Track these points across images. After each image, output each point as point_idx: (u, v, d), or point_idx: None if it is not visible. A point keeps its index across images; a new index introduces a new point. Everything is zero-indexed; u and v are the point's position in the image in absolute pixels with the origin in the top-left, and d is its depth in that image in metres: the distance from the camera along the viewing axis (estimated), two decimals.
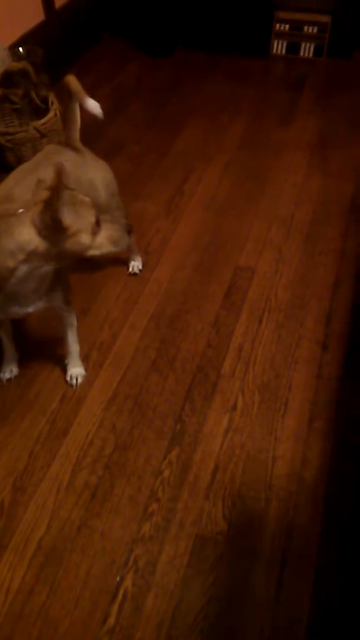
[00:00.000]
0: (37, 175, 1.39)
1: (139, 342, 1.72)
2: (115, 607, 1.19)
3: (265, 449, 1.44)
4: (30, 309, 1.34)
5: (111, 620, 1.17)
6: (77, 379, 1.60)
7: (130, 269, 1.92)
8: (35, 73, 2.28)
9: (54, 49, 2.75)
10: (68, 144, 1.54)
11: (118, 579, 1.23)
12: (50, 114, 2.23)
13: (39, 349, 1.70)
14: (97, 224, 1.20)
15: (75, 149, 1.54)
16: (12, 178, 1.39)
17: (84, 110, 1.53)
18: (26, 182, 1.35)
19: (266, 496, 1.35)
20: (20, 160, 2.23)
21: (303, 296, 1.82)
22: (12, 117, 2.41)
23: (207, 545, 1.27)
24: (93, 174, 1.55)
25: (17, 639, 1.15)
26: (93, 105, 1.45)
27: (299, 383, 1.59)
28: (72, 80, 1.44)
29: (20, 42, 2.56)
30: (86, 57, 3.07)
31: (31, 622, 1.17)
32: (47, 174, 1.41)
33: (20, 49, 2.39)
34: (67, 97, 1.49)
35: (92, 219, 1.18)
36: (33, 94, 2.32)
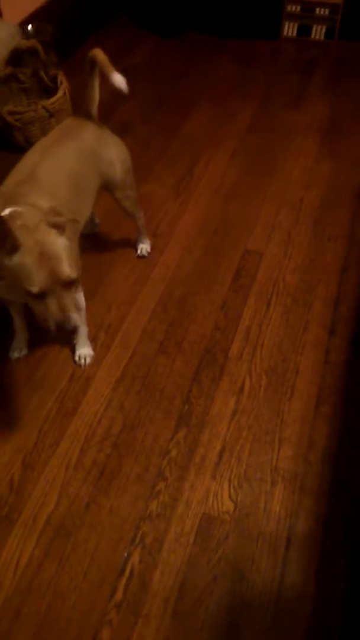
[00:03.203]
0: (60, 150, 1.39)
1: (147, 324, 1.72)
2: (123, 582, 1.21)
3: (271, 431, 1.45)
4: None
5: (118, 595, 1.19)
6: (85, 359, 1.61)
7: (138, 252, 1.92)
8: (44, 51, 2.25)
9: (63, 27, 2.71)
10: (88, 118, 1.53)
11: (125, 555, 1.24)
12: (60, 93, 2.21)
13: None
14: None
15: (95, 122, 1.53)
16: (35, 153, 1.38)
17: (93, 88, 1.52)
18: (50, 161, 1.35)
19: (272, 478, 1.37)
20: (28, 140, 2.23)
21: (311, 281, 1.82)
22: (21, 96, 2.39)
23: (214, 524, 1.29)
24: (111, 150, 1.54)
25: (26, 611, 1.17)
26: (119, 79, 1.44)
27: (306, 367, 1.59)
28: (98, 53, 1.42)
29: (30, 19, 2.52)
30: (96, 36, 3.03)
31: (40, 595, 1.19)
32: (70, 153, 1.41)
33: (30, 26, 2.36)
34: (87, 71, 1.47)
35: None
36: (42, 73, 2.30)
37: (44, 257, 1.08)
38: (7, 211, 1.16)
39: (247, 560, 1.23)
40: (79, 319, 1.18)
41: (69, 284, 1.12)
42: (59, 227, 1.11)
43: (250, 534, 1.27)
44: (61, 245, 1.11)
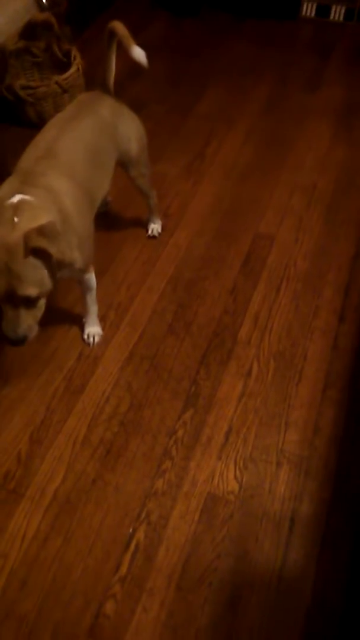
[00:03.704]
0: (78, 124, 1.37)
1: (156, 304, 1.72)
2: (128, 557, 1.23)
3: (278, 415, 1.46)
4: None
5: (123, 569, 1.21)
6: (94, 338, 1.61)
7: (149, 232, 1.91)
8: (59, 25, 2.22)
9: (77, 2, 2.66)
10: (104, 91, 1.51)
11: (131, 530, 1.26)
12: (73, 69, 2.17)
13: (58, 307, 1.71)
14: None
15: (112, 96, 1.51)
16: (53, 127, 1.36)
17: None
18: (69, 136, 1.33)
19: (277, 460, 1.38)
20: (40, 116, 2.20)
21: (322, 266, 1.81)
22: (33, 71, 2.36)
23: (218, 504, 1.30)
24: (128, 125, 1.52)
25: (32, 582, 1.19)
26: (139, 53, 1.41)
27: (314, 353, 1.59)
28: (118, 25, 1.40)
29: None
30: (109, 12, 2.98)
31: (46, 567, 1.21)
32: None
33: None
34: (105, 44, 1.44)
35: None
36: (55, 47, 2.27)
37: (4, 270, 1.08)
38: (15, 198, 1.16)
39: (251, 540, 1.25)
40: (32, 332, 1.19)
41: (28, 301, 1.13)
42: (37, 252, 1.08)
43: (254, 514, 1.29)
44: (29, 265, 1.09)
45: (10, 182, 1.23)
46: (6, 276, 1.09)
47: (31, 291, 1.12)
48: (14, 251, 1.08)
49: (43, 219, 1.13)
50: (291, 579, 1.20)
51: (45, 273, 1.13)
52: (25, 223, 1.11)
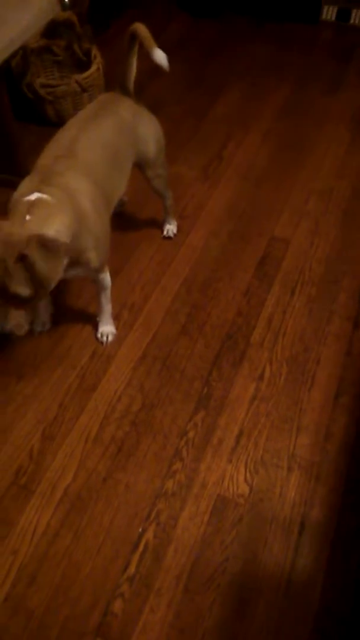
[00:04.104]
0: (98, 125, 1.38)
1: (170, 305, 1.72)
2: (136, 556, 1.23)
3: (290, 419, 1.46)
4: (63, 276, 1.35)
5: (131, 569, 1.21)
6: (107, 337, 1.62)
7: (165, 232, 1.92)
8: (80, 24, 2.23)
9: (98, 2, 2.67)
10: (124, 93, 1.52)
11: (140, 530, 1.26)
12: (93, 68, 2.18)
13: (72, 305, 1.72)
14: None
15: (131, 98, 1.52)
16: (73, 127, 1.37)
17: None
18: (88, 136, 1.34)
19: (288, 464, 1.37)
20: (59, 115, 2.22)
21: (337, 271, 1.80)
22: (53, 69, 2.38)
23: (228, 506, 1.30)
24: (146, 126, 1.53)
25: (41, 578, 1.20)
26: (160, 56, 1.42)
27: (327, 358, 1.58)
28: (141, 28, 1.41)
29: None
30: (130, 12, 2.99)
31: (55, 563, 1.22)
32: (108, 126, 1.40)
33: None
34: (126, 46, 1.45)
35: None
36: (76, 46, 2.28)
37: (0, 265, 1.09)
38: (33, 196, 1.17)
39: (260, 544, 1.25)
40: (21, 330, 1.20)
41: (19, 299, 1.13)
42: (24, 259, 1.08)
43: (264, 517, 1.29)
44: (19, 268, 1.09)
45: (30, 180, 1.24)
46: (1, 270, 1.09)
47: (21, 290, 1.12)
48: (12, 249, 1.08)
49: (55, 221, 1.15)
50: (300, 583, 1.19)
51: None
52: (35, 222, 1.12)
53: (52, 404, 1.49)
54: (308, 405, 1.48)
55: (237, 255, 1.87)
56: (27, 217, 1.13)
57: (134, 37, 1.44)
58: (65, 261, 1.18)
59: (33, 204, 1.15)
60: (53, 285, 1.16)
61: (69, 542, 1.25)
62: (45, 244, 1.09)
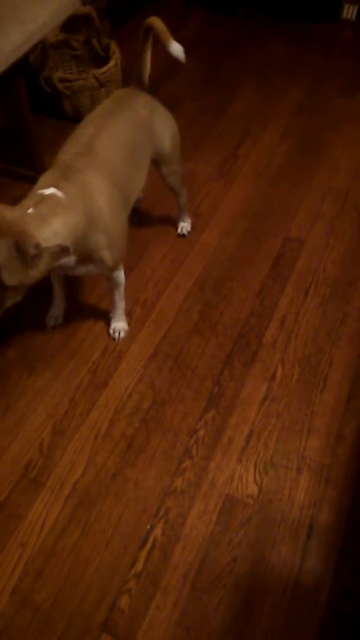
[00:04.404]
0: (115, 121, 1.38)
1: (183, 303, 1.72)
2: (144, 553, 1.23)
3: (301, 421, 1.45)
4: (76, 273, 1.36)
5: (139, 565, 1.21)
6: (119, 333, 1.61)
7: (179, 230, 1.91)
8: (99, 19, 2.22)
9: None
10: (139, 88, 1.51)
11: (148, 527, 1.26)
12: (111, 63, 2.18)
13: (85, 301, 1.72)
14: None
15: (147, 93, 1.51)
16: (91, 124, 1.37)
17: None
18: (107, 133, 1.34)
19: (298, 466, 1.37)
20: (76, 109, 2.22)
21: (352, 273, 1.79)
22: (71, 64, 2.38)
23: (237, 506, 1.30)
24: (162, 122, 1.53)
25: (48, 572, 1.21)
26: (177, 48, 1.41)
27: (340, 360, 1.57)
28: (156, 21, 1.40)
29: None
30: (147, 8, 2.98)
31: (62, 558, 1.22)
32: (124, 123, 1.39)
33: None
34: (141, 40, 1.44)
35: None
36: (94, 41, 2.28)
37: None
38: (48, 191, 1.17)
39: (268, 545, 1.24)
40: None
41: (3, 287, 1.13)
42: (20, 249, 1.08)
43: (272, 519, 1.28)
44: (6, 257, 1.08)
45: (50, 175, 1.24)
46: None
47: (8, 280, 1.11)
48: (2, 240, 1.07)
49: (57, 221, 1.14)
50: (307, 587, 1.19)
51: (19, 263, 1.10)
52: (35, 217, 1.12)
53: (63, 398, 1.49)
54: (319, 407, 1.47)
55: (251, 254, 1.86)
56: (30, 210, 1.13)
57: (148, 31, 1.44)
58: (42, 267, 1.15)
59: (44, 198, 1.16)
60: (14, 284, 1.13)
61: (77, 537, 1.25)
62: (18, 244, 1.07)
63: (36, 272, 1.15)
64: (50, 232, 1.14)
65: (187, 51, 1.44)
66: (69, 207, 1.18)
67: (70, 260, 1.25)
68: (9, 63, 1.53)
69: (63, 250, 1.18)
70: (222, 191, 2.07)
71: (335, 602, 1.16)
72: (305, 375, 1.54)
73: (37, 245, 1.09)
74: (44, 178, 1.24)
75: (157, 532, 1.26)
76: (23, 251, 1.08)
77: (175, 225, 1.92)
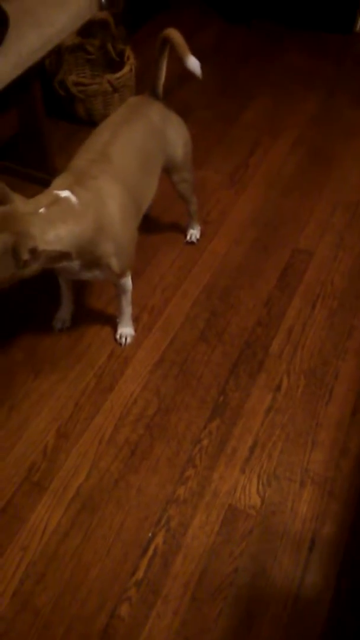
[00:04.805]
0: (129, 129, 1.38)
1: (190, 310, 1.72)
2: (145, 561, 1.23)
3: (305, 433, 1.45)
4: (82, 277, 1.37)
5: (140, 573, 1.21)
6: (126, 339, 1.62)
7: (188, 237, 1.91)
8: (115, 25, 2.24)
9: (131, 3, 2.68)
10: (154, 96, 1.52)
11: (150, 535, 1.26)
12: (126, 69, 2.19)
13: (91, 305, 1.73)
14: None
15: (161, 101, 1.52)
16: (104, 131, 1.37)
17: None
18: (121, 141, 1.35)
19: (301, 479, 1.36)
20: (89, 113, 2.23)
21: None
22: (85, 68, 2.39)
23: (239, 517, 1.30)
24: (175, 130, 1.53)
25: (49, 576, 1.20)
26: (194, 63, 1.42)
27: (346, 373, 1.57)
28: (174, 34, 1.40)
29: None
30: (163, 15, 2.99)
31: (64, 562, 1.22)
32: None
33: None
34: (157, 50, 1.45)
35: None
36: (109, 46, 2.29)
37: None
38: (63, 193, 1.18)
39: (270, 557, 1.24)
40: None
41: None
42: (15, 250, 1.08)
43: (274, 531, 1.28)
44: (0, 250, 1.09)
45: (64, 178, 1.25)
46: None
47: None
48: (2, 225, 1.08)
49: (63, 227, 1.14)
50: (308, 600, 1.19)
51: (10, 263, 1.10)
52: (43, 218, 1.12)
53: (68, 402, 1.49)
54: (324, 420, 1.47)
55: (260, 264, 1.86)
56: (42, 210, 1.13)
57: (165, 42, 1.44)
58: (36, 268, 1.15)
59: (58, 200, 1.16)
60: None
61: (78, 541, 1.25)
62: (15, 245, 1.07)
63: (28, 271, 1.15)
64: (53, 236, 1.14)
65: (200, 59, 1.45)
66: (79, 214, 1.18)
67: (73, 264, 1.26)
68: (27, 66, 1.54)
69: (63, 255, 1.19)
70: (232, 200, 2.07)
71: (337, 616, 1.16)
72: (311, 387, 1.54)
73: (33, 250, 1.09)
74: (58, 181, 1.24)
75: (159, 540, 1.26)
76: (17, 253, 1.08)
77: (184, 232, 1.93)
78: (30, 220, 1.11)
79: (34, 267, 1.15)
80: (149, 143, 1.43)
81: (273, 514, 1.30)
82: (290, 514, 1.31)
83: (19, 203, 1.12)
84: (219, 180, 2.14)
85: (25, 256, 1.08)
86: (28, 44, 1.53)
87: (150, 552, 1.24)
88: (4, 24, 1.46)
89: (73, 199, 1.18)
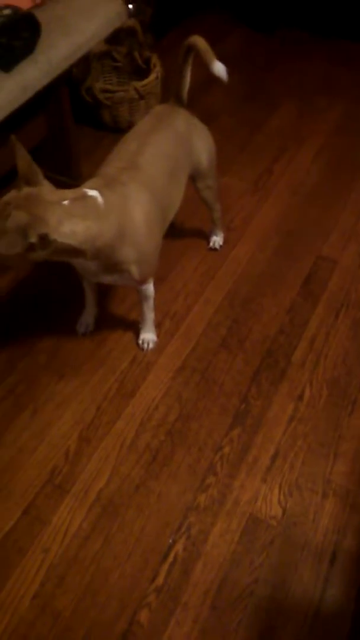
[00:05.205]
0: (157, 138, 1.40)
1: (212, 317, 1.72)
2: (165, 567, 1.23)
3: (327, 444, 1.43)
4: (102, 280, 1.38)
5: (160, 580, 1.21)
6: (148, 344, 1.62)
7: (211, 244, 1.92)
8: (142, 32, 2.26)
9: (157, 10, 2.69)
10: (179, 103, 1.53)
11: (170, 541, 1.26)
12: (152, 76, 2.21)
13: (114, 311, 1.74)
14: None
15: (186, 109, 1.53)
16: (132, 140, 1.39)
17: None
18: (150, 150, 1.36)
19: (323, 490, 1.35)
20: (115, 119, 2.25)
21: None
22: (112, 75, 2.41)
23: (260, 527, 1.29)
24: (201, 138, 1.54)
25: (70, 579, 1.21)
26: (220, 68, 1.43)
27: None
28: (199, 41, 1.41)
29: None
30: (188, 22, 3.01)
31: (84, 566, 1.23)
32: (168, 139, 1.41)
33: (131, 6, 2.36)
34: (182, 57, 1.46)
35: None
36: (136, 54, 2.31)
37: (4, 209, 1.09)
38: (91, 192, 1.18)
39: (290, 569, 1.23)
40: None
41: None
42: (25, 230, 1.08)
43: (295, 542, 1.27)
44: (12, 228, 1.08)
45: (95, 181, 1.26)
46: (4, 208, 1.09)
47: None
48: (23, 203, 1.08)
49: (81, 223, 1.13)
50: (328, 614, 1.17)
51: (18, 241, 1.09)
52: (64, 210, 1.11)
53: (90, 406, 1.50)
54: (347, 431, 1.46)
55: (283, 271, 1.85)
56: (66, 202, 1.12)
57: (190, 49, 1.45)
58: (42, 254, 1.14)
59: (84, 197, 1.16)
60: (5, 253, 1.11)
61: (99, 546, 1.26)
62: (27, 225, 1.06)
63: (33, 256, 1.13)
64: (68, 230, 1.12)
65: (225, 65, 1.45)
66: (101, 214, 1.18)
67: (90, 264, 1.26)
68: (56, 74, 1.56)
69: (77, 252, 1.17)
70: (256, 207, 2.07)
71: (358, 632, 1.14)
72: (334, 397, 1.53)
73: (42, 237, 1.08)
74: (90, 181, 1.26)
75: (179, 547, 1.26)
76: (26, 234, 1.07)
77: (207, 238, 1.93)
78: (51, 208, 1.10)
79: (41, 254, 1.13)
80: (176, 151, 1.44)
81: (294, 525, 1.29)
82: (312, 525, 1.29)
83: (46, 190, 1.12)
84: (243, 187, 2.14)
85: (33, 239, 1.07)
86: (58, 52, 1.55)
87: (170, 558, 1.24)
88: (36, 32, 1.49)
89: (99, 199, 1.18)
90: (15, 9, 1.43)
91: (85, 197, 1.17)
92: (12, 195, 1.10)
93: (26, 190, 1.10)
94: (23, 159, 1.10)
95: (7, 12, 1.41)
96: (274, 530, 1.28)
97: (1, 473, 1.37)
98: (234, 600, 1.19)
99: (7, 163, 1.16)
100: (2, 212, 1.08)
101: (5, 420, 1.47)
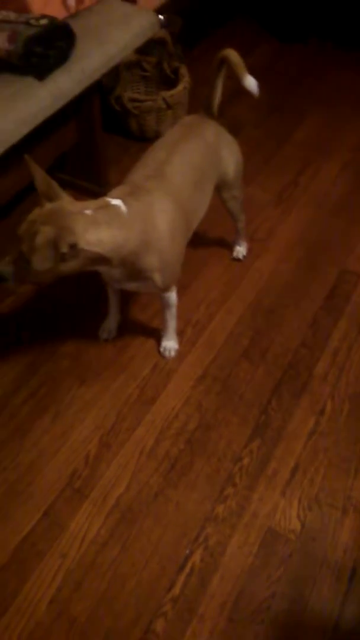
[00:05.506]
0: (185, 148, 1.41)
1: (234, 327, 1.72)
2: (182, 578, 1.22)
3: (349, 459, 1.42)
4: (126, 287, 1.39)
5: (176, 590, 1.21)
6: (170, 352, 1.63)
7: (234, 254, 1.92)
8: (172, 43, 2.28)
9: (188, 21, 2.72)
10: (209, 115, 1.54)
11: (187, 551, 1.26)
12: (180, 86, 2.23)
13: (138, 316, 1.75)
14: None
15: (215, 120, 1.54)
16: (160, 150, 1.40)
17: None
18: (177, 159, 1.37)
19: (344, 506, 1.34)
20: (142, 129, 2.27)
21: None
22: (140, 84, 2.44)
23: (278, 541, 1.28)
24: (229, 149, 1.55)
25: (86, 585, 1.21)
26: (252, 82, 1.44)
27: None
28: (232, 54, 1.43)
29: (161, 9, 2.55)
30: (217, 34, 3.04)
31: (101, 573, 1.23)
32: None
33: (161, 17, 2.39)
34: (214, 70, 1.48)
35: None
36: (165, 64, 2.33)
37: (35, 222, 1.11)
38: (114, 202, 1.20)
39: (308, 584, 1.22)
40: (8, 278, 1.19)
41: (21, 256, 1.14)
42: (56, 242, 1.10)
43: (314, 558, 1.25)
44: (42, 243, 1.10)
45: (120, 190, 1.27)
46: (31, 226, 1.11)
47: (24, 247, 1.12)
48: (48, 219, 1.10)
49: (107, 232, 1.15)
50: (347, 632, 1.16)
51: (50, 255, 1.11)
52: (87, 220, 1.13)
53: (110, 411, 1.51)
54: None
55: (306, 284, 1.84)
56: (88, 212, 1.14)
57: (223, 62, 1.47)
58: (74, 265, 1.16)
59: (107, 206, 1.18)
60: (40, 269, 1.13)
61: (116, 553, 1.26)
62: (56, 237, 1.08)
63: (66, 267, 1.15)
64: (95, 238, 1.14)
65: (253, 77, 1.46)
66: (125, 222, 1.19)
67: (115, 272, 1.27)
68: (89, 83, 1.58)
69: (102, 260, 1.19)
70: (280, 218, 2.07)
71: None
72: (356, 412, 1.51)
73: (72, 246, 1.10)
74: (116, 190, 1.27)
75: (196, 557, 1.25)
76: (57, 245, 1.09)
77: (231, 248, 1.93)
78: (75, 218, 1.12)
79: (72, 264, 1.15)
80: (204, 162, 1.45)
81: (313, 540, 1.28)
82: (331, 541, 1.28)
83: (67, 201, 1.14)
84: (268, 198, 2.14)
85: (64, 249, 1.09)
86: (91, 62, 1.58)
87: (187, 569, 1.24)
88: (71, 41, 1.51)
89: (123, 207, 1.20)
90: (52, 19, 1.46)
91: (108, 206, 1.19)
92: (36, 213, 1.13)
93: (48, 206, 1.12)
94: (40, 177, 1.12)
95: (44, 21, 1.44)
96: (293, 544, 1.27)
97: (21, 476, 1.38)
98: (251, 614, 1.18)
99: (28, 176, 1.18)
100: (30, 230, 1.11)
101: (26, 423, 1.48)
